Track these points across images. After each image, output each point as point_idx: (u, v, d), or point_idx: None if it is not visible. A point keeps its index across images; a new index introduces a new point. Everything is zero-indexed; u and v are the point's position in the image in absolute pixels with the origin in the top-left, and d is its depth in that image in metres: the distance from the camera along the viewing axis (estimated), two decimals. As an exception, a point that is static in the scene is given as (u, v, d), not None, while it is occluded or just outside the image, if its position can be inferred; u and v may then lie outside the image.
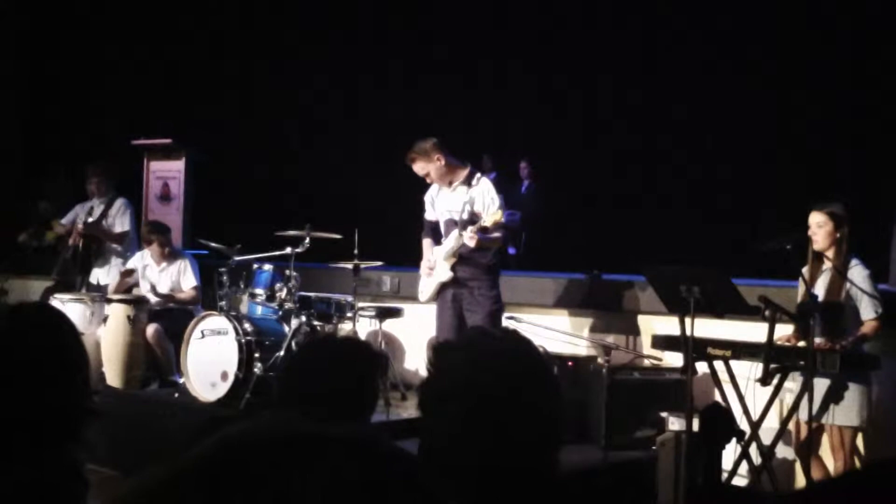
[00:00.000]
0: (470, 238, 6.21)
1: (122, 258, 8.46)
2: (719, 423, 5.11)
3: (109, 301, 7.66)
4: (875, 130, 8.98)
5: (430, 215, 6.72)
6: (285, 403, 2.46)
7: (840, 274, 5.43)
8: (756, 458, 5.60)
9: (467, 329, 5.84)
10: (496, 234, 6.41)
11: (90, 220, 8.55)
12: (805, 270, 5.54)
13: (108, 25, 12.35)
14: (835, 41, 9.20)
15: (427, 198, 6.74)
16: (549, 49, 11.11)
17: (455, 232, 6.41)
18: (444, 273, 6.46)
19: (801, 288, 5.56)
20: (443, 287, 6.51)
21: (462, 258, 6.42)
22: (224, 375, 6.98)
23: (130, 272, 8.03)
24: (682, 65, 10.27)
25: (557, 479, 1.46)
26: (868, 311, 5.39)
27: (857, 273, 5.43)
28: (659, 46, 10.51)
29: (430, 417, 1.52)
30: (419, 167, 6.50)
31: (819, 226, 5.47)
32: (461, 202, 6.45)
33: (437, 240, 6.62)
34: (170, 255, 7.95)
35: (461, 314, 6.47)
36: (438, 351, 1.58)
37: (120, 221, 8.56)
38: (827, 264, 5.53)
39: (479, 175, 6.53)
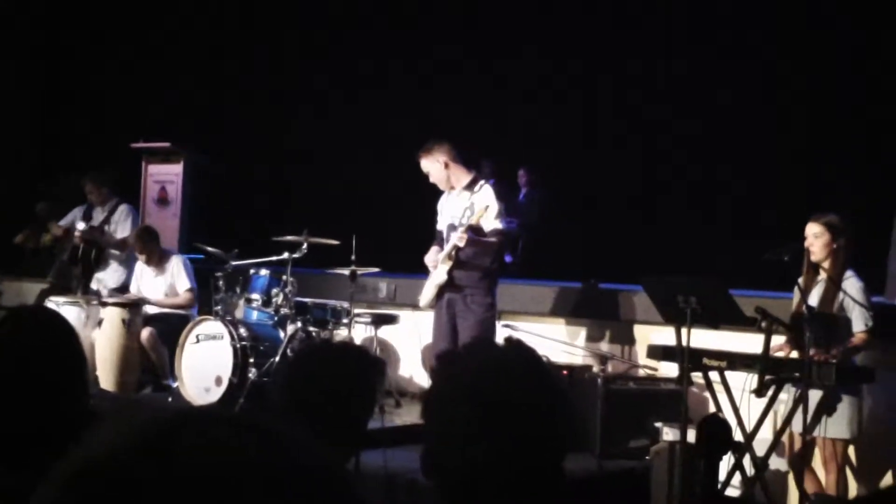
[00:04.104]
0: (460, 238, 6.24)
1: (123, 263, 8.41)
2: (718, 435, 5.11)
3: (104, 304, 7.64)
4: (881, 140, 8.93)
5: (439, 224, 6.74)
6: (281, 410, 2.46)
7: (834, 284, 5.43)
8: (749, 470, 5.60)
9: (472, 340, 5.82)
10: (491, 239, 6.43)
11: (92, 224, 8.51)
12: (801, 281, 5.55)
13: (111, 27, 12.33)
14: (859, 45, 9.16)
15: (438, 206, 6.76)
16: (549, 53, 11.10)
17: (454, 234, 6.43)
18: (440, 276, 6.48)
19: (796, 298, 5.57)
20: (440, 292, 6.52)
21: (460, 263, 6.42)
22: (218, 380, 6.97)
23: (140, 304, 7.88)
24: (681, 69, 10.27)
25: (563, 484, 1.47)
26: (858, 324, 5.39)
27: (851, 285, 5.43)
28: (660, 49, 10.51)
29: (434, 423, 1.52)
30: (423, 164, 6.58)
31: (816, 236, 5.46)
32: (462, 208, 6.47)
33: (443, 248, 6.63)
34: (158, 259, 7.88)
35: (455, 321, 6.48)
36: (443, 359, 1.59)
37: (122, 227, 8.49)
38: (822, 275, 5.54)
39: (482, 182, 6.54)
